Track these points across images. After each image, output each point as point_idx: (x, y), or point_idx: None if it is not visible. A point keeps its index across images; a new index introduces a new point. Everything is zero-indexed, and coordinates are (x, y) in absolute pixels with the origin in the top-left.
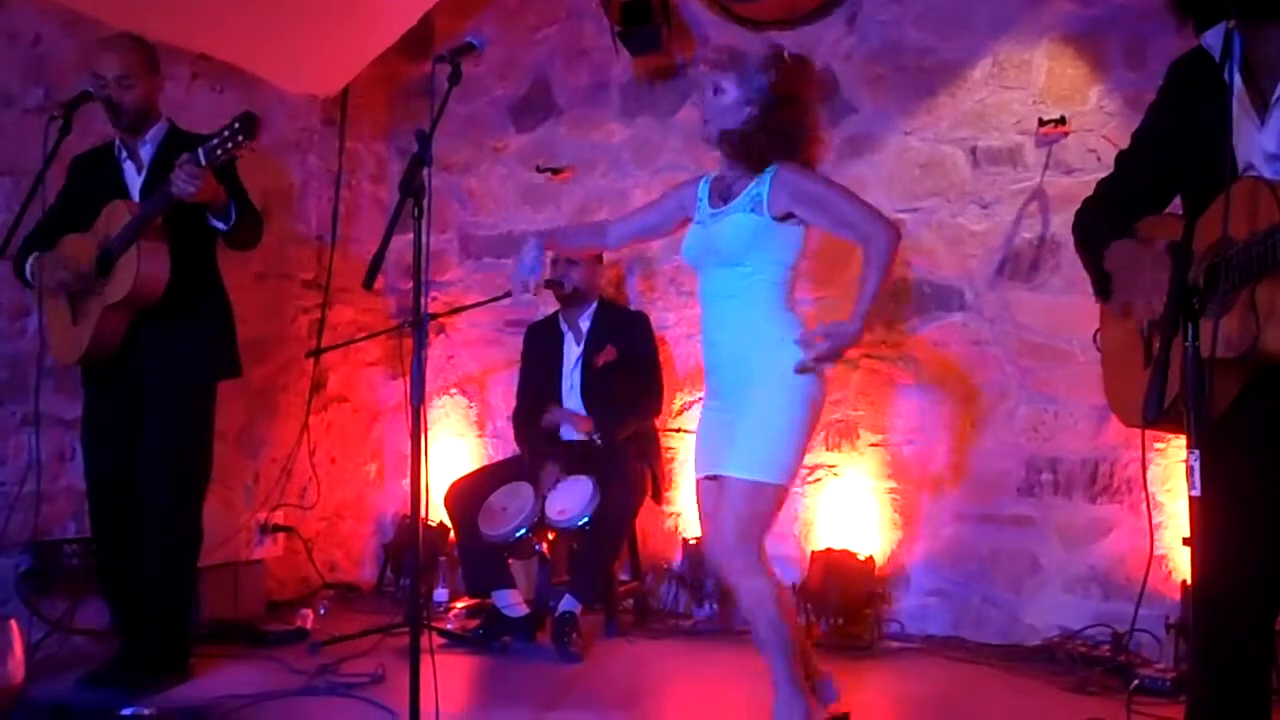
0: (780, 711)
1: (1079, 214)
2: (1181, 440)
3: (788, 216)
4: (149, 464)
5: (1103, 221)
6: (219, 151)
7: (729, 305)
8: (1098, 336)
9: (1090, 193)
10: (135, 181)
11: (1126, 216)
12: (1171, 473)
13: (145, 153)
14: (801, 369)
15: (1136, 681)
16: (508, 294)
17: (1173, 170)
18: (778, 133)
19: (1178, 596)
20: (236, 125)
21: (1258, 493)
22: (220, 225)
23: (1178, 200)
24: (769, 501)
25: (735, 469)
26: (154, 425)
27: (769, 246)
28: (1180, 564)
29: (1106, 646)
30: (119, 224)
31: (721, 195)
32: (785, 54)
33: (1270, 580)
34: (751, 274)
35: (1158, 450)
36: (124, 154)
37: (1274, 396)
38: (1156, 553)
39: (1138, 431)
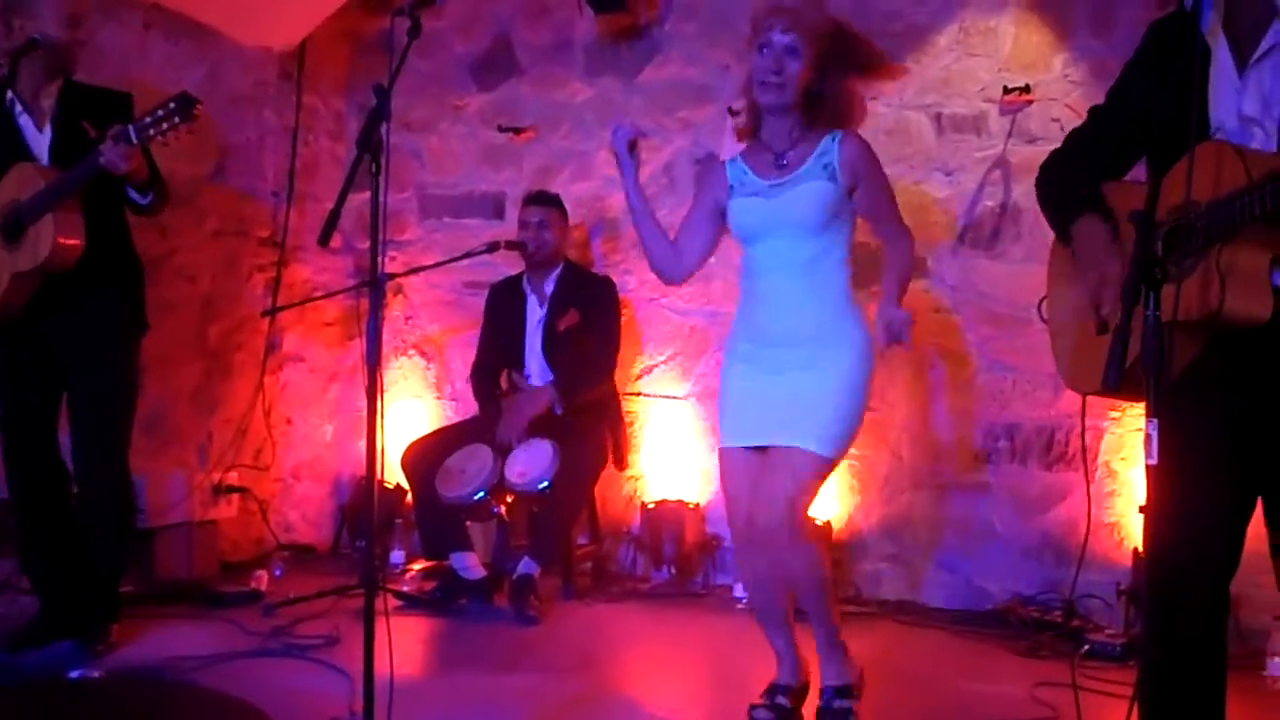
0: (829, 671)
1: (1045, 166)
2: (1137, 409)
3: (850, 191)
4: (77, 425)
5: (1072, 178)
6: (152, 131)
7: (803, 277)
8: (1043, 305)
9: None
10: (39, 140)
11: (1093, 172)
12: (1125, 441)
13: (49, 107)
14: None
15: (1087, 646)
16: (488, 248)
17: (1142, 130)
18: (843, 96)
19: (1129, 563)
20: (173, 106)
21: (1213, 458)
22: (139, 199)
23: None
24: (827, 475)
25: (811, 443)
26: (78, 387)
27: (843, 218)
28: (1131, 531)
29: (1058, 612)
30: (30, 189)
31: (776, 165)
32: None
33: (1224, 548)
34: (829, 245)
35: (1113, 419)
36: (17, 107)
37: (1231, 360)
38: (1108, 520)
39: (1094, 400)
